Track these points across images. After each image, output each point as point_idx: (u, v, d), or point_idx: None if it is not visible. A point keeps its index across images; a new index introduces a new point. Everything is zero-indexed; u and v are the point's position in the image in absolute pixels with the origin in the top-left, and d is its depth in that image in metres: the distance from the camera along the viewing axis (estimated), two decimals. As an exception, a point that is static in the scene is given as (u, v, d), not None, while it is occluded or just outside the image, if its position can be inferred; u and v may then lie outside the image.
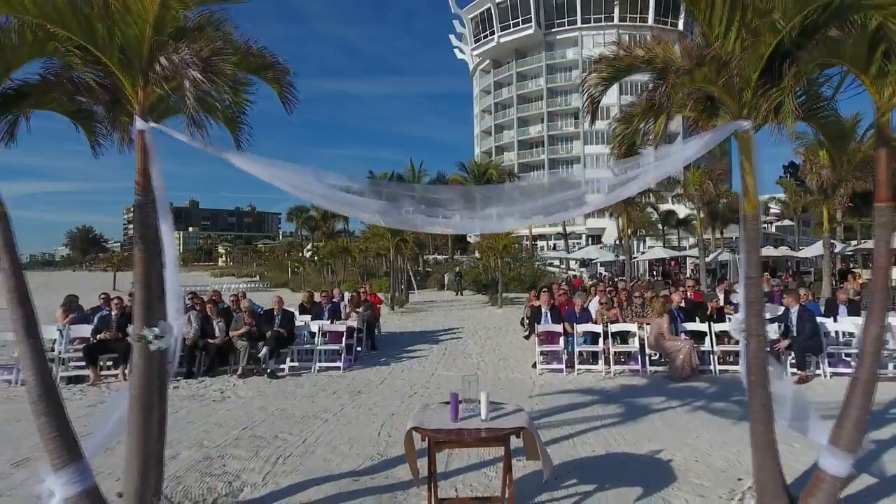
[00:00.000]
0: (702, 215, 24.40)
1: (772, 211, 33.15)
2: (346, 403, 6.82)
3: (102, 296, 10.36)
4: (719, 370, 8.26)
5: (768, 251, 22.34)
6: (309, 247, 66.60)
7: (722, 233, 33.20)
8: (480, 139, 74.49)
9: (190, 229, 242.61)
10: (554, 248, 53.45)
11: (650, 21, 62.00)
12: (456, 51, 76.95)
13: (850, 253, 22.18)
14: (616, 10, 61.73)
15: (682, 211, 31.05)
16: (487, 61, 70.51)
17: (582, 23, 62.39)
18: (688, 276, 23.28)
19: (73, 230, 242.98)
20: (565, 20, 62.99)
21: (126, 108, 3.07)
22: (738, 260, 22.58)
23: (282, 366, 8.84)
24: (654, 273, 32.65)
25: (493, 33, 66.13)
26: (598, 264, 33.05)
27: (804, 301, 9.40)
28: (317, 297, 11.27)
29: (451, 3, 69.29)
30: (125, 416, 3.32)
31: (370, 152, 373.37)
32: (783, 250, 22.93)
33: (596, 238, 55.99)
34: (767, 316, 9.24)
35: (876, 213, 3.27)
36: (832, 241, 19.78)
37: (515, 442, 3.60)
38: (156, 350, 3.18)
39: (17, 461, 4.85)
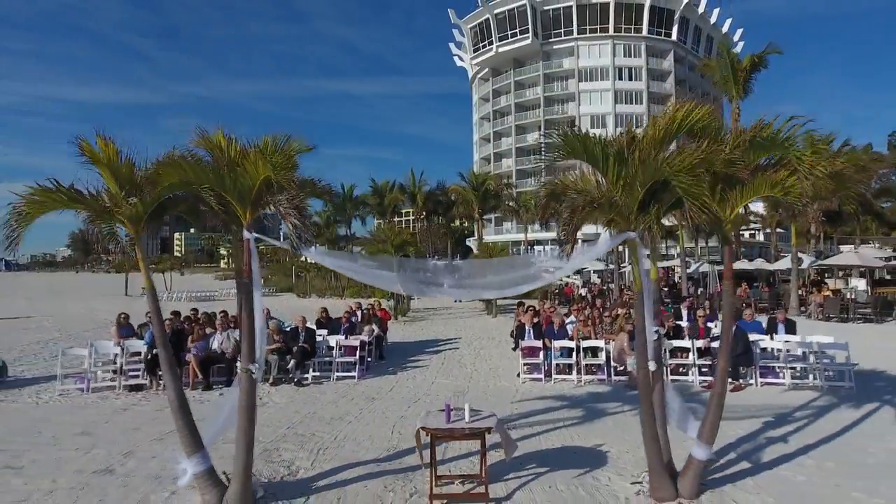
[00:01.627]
0: (684, 224, 26.13)
1: (752, 224, 35.10)
2: (364, 408, 8.48)
3: (148, 314, 12.01)
4: (671, 380, 9.90)
5: (743, 265, 24.03)
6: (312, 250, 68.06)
7: (707, 242, 34.86)
8: (479, 146, 76.22)
9: (191, 230, 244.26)
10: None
11: (644, 32, 63.78)
12: (455, 58, 78.66)
13: (815, 266, 23.81)
14: (611, 22, 63.41)
15: (668, 221, 32.71)
16: (486, 70, 72.24)
17: (578, 33, 64.12)
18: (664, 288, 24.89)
19: (75, 231, 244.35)
20: (562, 31, 64.71)
21: (234, 220, 4.73)
22: (715, 271, 24.10)
23: (306, 375, 10.49)
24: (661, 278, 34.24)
25: (491, 43, 67.85)
26: (592, 272, 34.69)
27: (749, 319, 11.13)
28: (332, 314, 12.93)
29: (451, 14, 71.06)
30: (228, 419, 4.98)
31: (370, 152, 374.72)
32: (758, 262, 24.62)
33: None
34: (715, 333, 10.85)
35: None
36: (800, 255, 21.43)
37: (490, 440, 5.26)
38: (256, 377, 4.83)
39: (124, 452, 6.51)
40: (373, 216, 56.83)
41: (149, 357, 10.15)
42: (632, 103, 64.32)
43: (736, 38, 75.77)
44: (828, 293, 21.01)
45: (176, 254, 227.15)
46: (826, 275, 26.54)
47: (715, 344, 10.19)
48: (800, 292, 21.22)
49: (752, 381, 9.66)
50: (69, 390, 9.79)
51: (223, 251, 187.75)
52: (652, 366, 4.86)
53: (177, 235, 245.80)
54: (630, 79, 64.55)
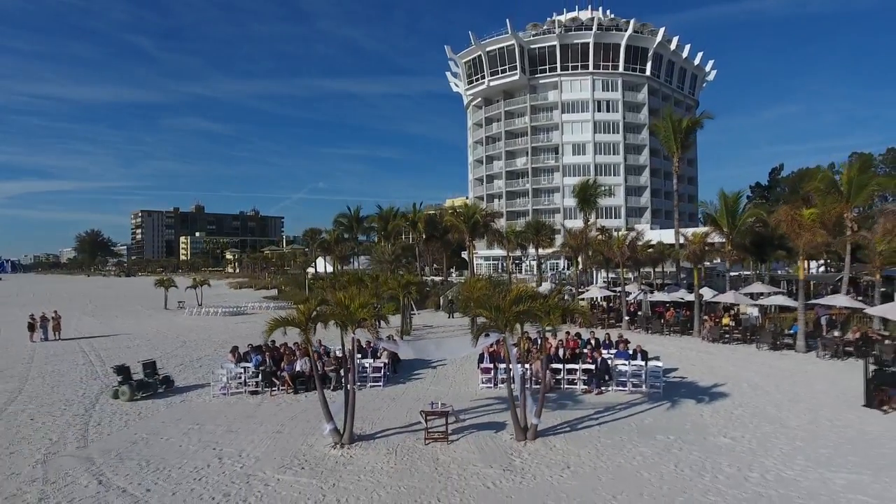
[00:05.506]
0: (628, 263, 33.29)
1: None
2: (390, 404, 15.53)
3: (249, 344, 19.10)
4: (565, 388, 16.97)
5: (663, 296, 31.14)
6: (320, 262, 75.47)
7: (652, 273, 42.15)
8: (474, 167, 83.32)
9: (197, 234, 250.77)
10: (531, 268, 62.49)
11: (621, 68, 70.90)
12: (452, 85, 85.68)
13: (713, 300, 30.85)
14: (590, 59, 70.49)
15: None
16: (479, 99, 79.36)
17: (561, 70, 71.27)
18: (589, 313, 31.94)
19: (82, 234, 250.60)
20: (546, 67, 71.87)
21: (345, 328, 11.80)
22: (648, 298, 31.07)
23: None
24: (611, 302, 41.41)
25: (483, 77, 74.98)
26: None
27: (623, 349, 18.22)
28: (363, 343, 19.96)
29: (447, 49, 78.17)
30: (340, 407, 12.07)
31: (372, 151, 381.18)
32: (681, 293, 31.62)
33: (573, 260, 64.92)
34: (610, 358, 17.74)
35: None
36: (703, 290, 28.46)
37: (451, 418, 12.31)
38: (357, 390, 11.89)
39: (280, 423, 13.54)
40: (375, 234, 63.98)
41: (259, 374, 17.26)
42: (609, 132, 71.57)
43: (708, 68, 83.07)
44: (728, 319, 28.04)
45: (182, 256, 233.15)
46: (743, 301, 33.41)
47: (588, 366, 17.27)
48: (705, 318, 28.31)
49: (611, 389, 16.73)
50: (216, 394, 16.84)
51: (229, 255, 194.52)
52: (516, 389, 11.95)
53: (182, 239, 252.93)
54: (608, 110, 71.75)
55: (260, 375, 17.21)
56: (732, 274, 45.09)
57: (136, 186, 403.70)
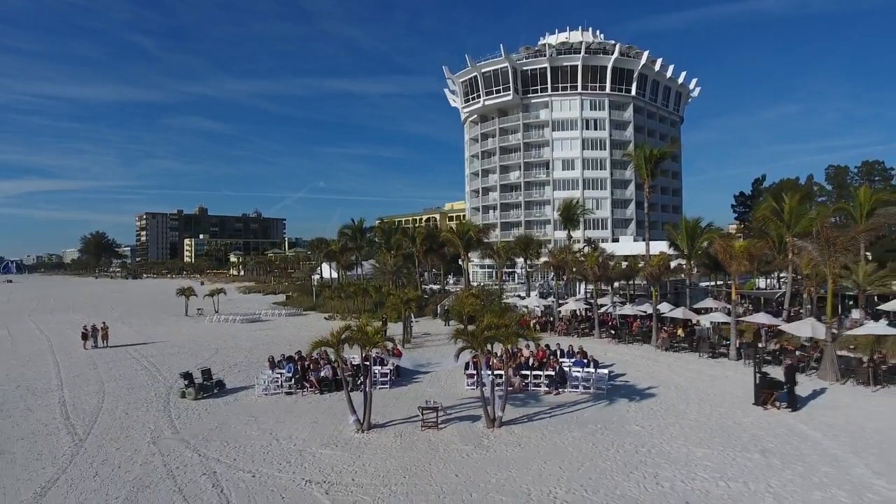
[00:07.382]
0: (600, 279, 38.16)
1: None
2: (395, 402, 20.26)
3: (282, 354, 23.86)
4: (532, 390, 21.73)
5: (629, 310, 35.94)
6: (324, 267, 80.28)
7: (627, 286, 46.94)
8: (470, 180, 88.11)
9: (201, 236, 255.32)
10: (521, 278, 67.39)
11: (607, 89, 75.70)
12: (450, 100, 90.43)
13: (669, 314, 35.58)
14: (579, 81, 75.27)
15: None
16: (475, 116, 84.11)
17: (552, 90, 76.07)
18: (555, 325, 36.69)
19: (87, 235, 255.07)
20: (538, 87, 76.64)
21: (362, 348, 16.58)
22: (617, 311, 35.91)
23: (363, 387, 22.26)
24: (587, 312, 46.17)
25: (479, 96, 79.80)
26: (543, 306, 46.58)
27: (579, 358, 23.03)
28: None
29: (445, 70, 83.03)
30: (360, 403, 16.85)
31: (373, 151, 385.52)
32: (646, 306, 36.33)
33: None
34: (569, 365, 22.78)
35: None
36: (661, 306, 33.22)
37: (441, 412, 17.08)
38: (372, 392, 16.67)
39: (315, 416, 18.32)
40: (376, 245, 68.86)
41: (293, 378, 22.03)
42: (596, 149, 76.43)
43: (691, 86, 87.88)
44: (681, 330, 32.79)
45: (186, 258, 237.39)
46: (701, 312, 38.17)
47: (549, 372, 22.04)
48: (663, 329, 33.06)
49: (566, 391, 21.50)
50: (260, 395, 21.58)
51: (233, 258, 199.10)
52: (486, 391, 16.72)
53: (186, 241, 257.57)
54: (595, 128, 76.59)
55: (293, 380, 21.99)
56: (703, 285, 50.15)
57: (138, 186, 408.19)
